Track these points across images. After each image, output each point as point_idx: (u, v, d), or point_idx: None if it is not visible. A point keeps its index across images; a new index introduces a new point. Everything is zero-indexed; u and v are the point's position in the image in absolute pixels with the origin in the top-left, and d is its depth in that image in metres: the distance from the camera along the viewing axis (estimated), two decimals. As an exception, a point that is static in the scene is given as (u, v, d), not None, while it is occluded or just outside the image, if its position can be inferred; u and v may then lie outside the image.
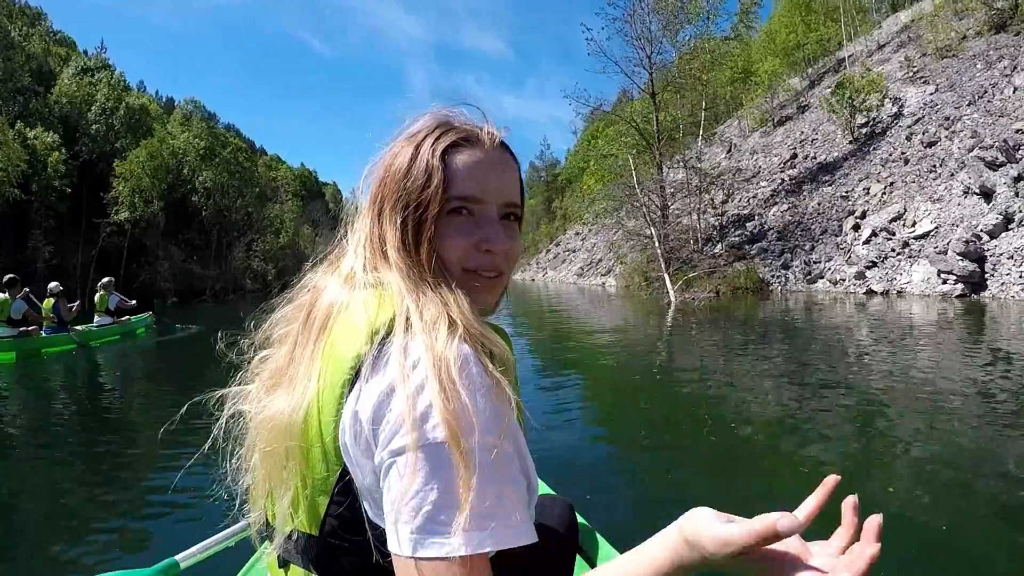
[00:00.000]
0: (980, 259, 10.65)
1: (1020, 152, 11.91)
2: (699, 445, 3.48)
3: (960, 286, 10.56)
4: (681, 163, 19.70)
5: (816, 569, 0.47)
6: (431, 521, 0.49)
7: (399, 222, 0.65)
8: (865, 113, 18.38)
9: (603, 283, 26.12)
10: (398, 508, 0.50)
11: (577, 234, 41.98)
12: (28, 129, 25.37)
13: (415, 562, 0.49)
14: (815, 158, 19.60)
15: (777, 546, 0.47)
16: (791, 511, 0.47)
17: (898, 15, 28.73)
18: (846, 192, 15.93)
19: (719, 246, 17.77)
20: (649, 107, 20.11)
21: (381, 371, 0.55)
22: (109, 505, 2.92)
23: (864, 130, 18.33)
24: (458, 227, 0.65)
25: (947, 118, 15.21)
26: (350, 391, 0.56)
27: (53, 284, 9.15)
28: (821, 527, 0.53)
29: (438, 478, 0.50)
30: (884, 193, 14.68)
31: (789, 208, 17.29)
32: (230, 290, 31.70)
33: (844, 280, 13.25)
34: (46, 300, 8.95)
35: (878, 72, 19.27)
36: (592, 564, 1.33)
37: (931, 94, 17.03)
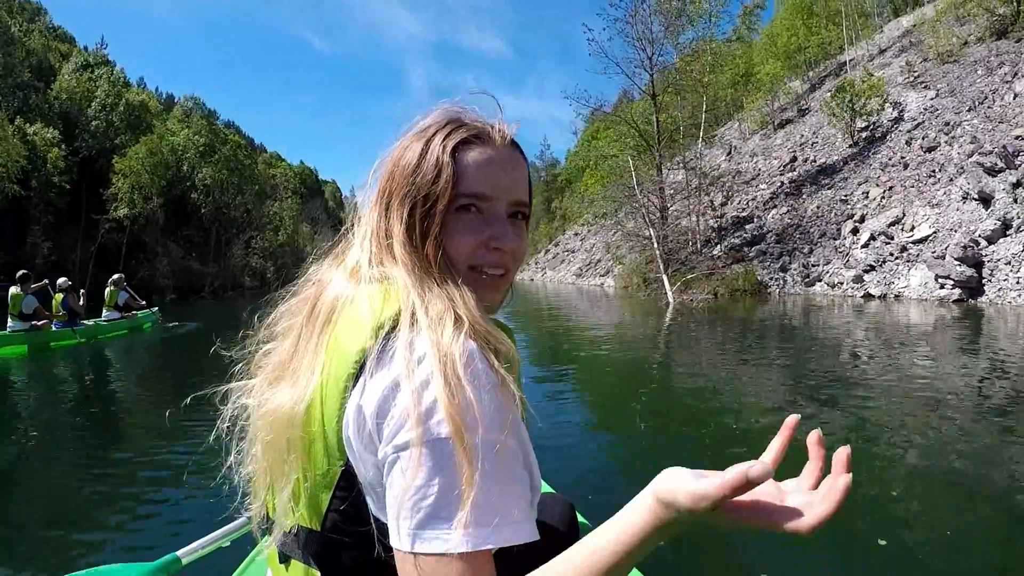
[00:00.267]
0: (978, 264, 10.67)
1: (1019, 158, 11.95)
2: (699, 445, 3.48)
3: (957, 291, 10.58)
4: (681, 164, 19.72)
5: (794, 508, 0.47)
6: (433, 517, 0.49)
7: (406, 217, 0.64)
8: (865, 117, 18.42)
9: (602, 284, 26.13)
10: (400, 503, 0.50)
11: (576, 235, 41.98)
12: (28, 125, 25.37)
13: (416, 557, 0.49)
14: (815, 161, 19.63)
15: (752, 494, 0.47)
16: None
17: (900, 20, 28.86)
18: (845, 196, 15.94)
19: (718, 248, 17.79)
20: (649, 108, 20.13)
21: (386, 366, 0.55)
22: (112, 500, 2.93)
23: (864, 134, 18.37)
24: (467, 224, 0.65)
25: (947, 123, 15.24)
26: (354, 385, 0.56)
27: (62, 280, 9.27)
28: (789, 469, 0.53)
29: (441, 474, 0.49)
30: (883, 197, 14.70)
31: (788, 211, 17.31)
32: (229, 287, 31.69)
33: (842, 283, 13.25)
34: (56, 295, 9.05)
35: (879, 76, 19.30)
36: None
37: (931, 99, 17.08)
